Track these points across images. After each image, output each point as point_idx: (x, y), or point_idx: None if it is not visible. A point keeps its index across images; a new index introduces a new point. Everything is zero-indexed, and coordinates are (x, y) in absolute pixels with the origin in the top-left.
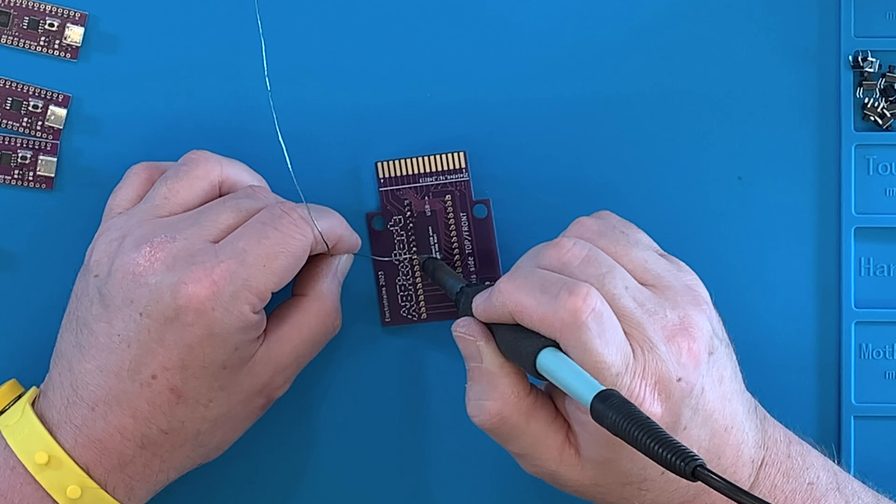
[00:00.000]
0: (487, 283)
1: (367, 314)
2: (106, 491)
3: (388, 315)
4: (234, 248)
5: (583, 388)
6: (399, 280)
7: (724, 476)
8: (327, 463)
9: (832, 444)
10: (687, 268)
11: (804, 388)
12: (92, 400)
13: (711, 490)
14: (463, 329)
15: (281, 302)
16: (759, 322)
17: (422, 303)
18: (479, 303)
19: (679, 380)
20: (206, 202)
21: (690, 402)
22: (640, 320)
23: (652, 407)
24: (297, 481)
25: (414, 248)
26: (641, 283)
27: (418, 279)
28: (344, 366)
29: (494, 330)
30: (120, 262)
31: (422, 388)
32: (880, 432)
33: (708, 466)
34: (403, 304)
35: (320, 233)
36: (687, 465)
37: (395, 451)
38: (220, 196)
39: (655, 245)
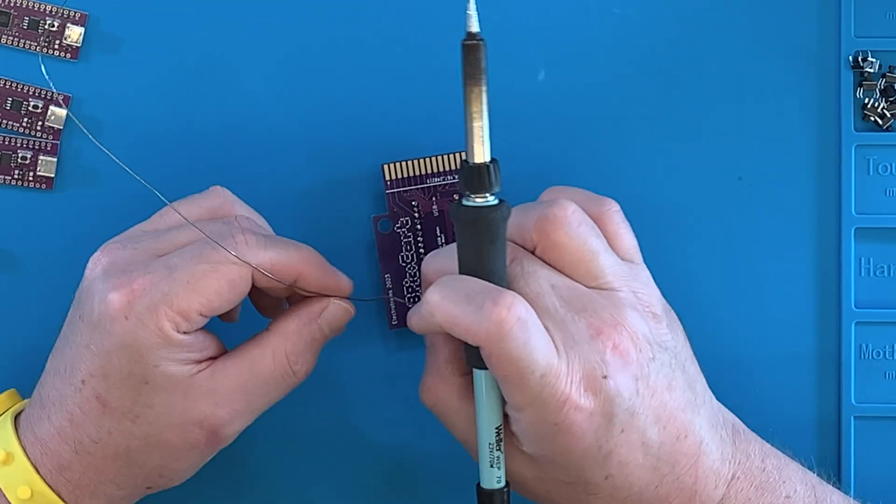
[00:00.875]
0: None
1: (373, 317)
2: (53, 492)
3: (394, 318)
4: (166, 262)
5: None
6: (406, 282)
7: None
8: (332, 465)
9: (832, 444)
10: (649, 280)
11: (804, 388)
12: (45, 399)
13: (672, 501)
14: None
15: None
16: (760, 322)
17: None
18: (412, 318)
19: (605, 377)
20: None
21: (623, 402)
22: (562, 317)
23: (579, 400)
24: (301, 483)
25: (422, 250)
26: (585, 283)
27: None
28: (351, 369)
29: None
30: (89, 265)
31: None
32: (880, 432)
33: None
34: (410, 306)
35: (258, 264)
36: None
37: (401, 454)
38: None
39: (631, 244)
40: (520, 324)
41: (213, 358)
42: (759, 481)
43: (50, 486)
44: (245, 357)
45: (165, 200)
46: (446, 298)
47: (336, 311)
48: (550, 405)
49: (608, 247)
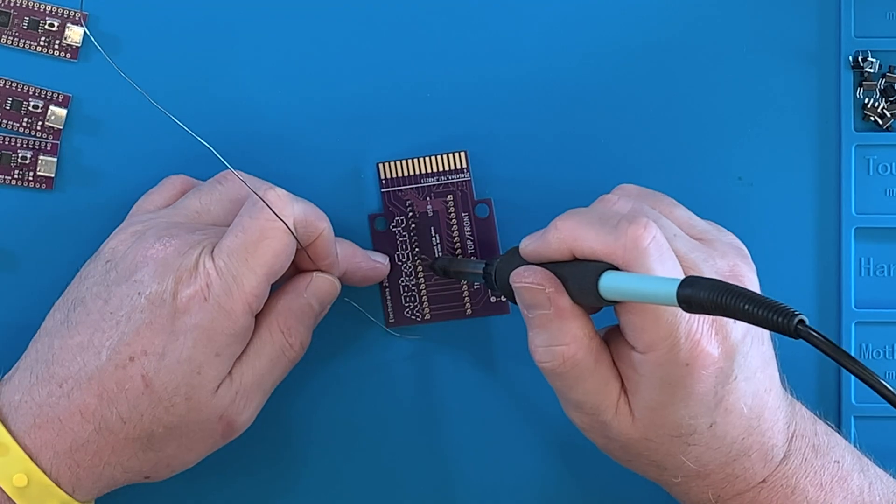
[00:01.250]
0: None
1: (370, 315)
2: (50, 479)
3: (391, 316)
4: (221, 246)
5: (662, 284)
6: (402, 281)
7: (823, 334)
8: (331, 464)
9: None
10: (728, 231)
11: (804, 388)
12: (63, 376)
13: (751, 454)
14: (530, 279)
15: None
16: None
17: (425, 303)
18: (530, 243)
19: (736, 322)
20: None
21: (742, 348)
22: (695, 260)
23: (710, 345)
24: (301, 482)
25: (417, 249)
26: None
27: (421, 280)
28: (348, 367)
29: (551, 271)
30: (137, 247)
31: (426, 389)
32: (880, 432)
33: (807, 324)
34: (407, 304)
35: (294, 217)
36: (789, 322)
37: (400, 452)
38: None
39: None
40: (656, 242)
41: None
42: (813, 443)
43: (48, 474)
44: (249, 346)
45: (227, 164)
46: (579, 222)
47: (320, 283)
48: (684, 343)
49: (684, 207)
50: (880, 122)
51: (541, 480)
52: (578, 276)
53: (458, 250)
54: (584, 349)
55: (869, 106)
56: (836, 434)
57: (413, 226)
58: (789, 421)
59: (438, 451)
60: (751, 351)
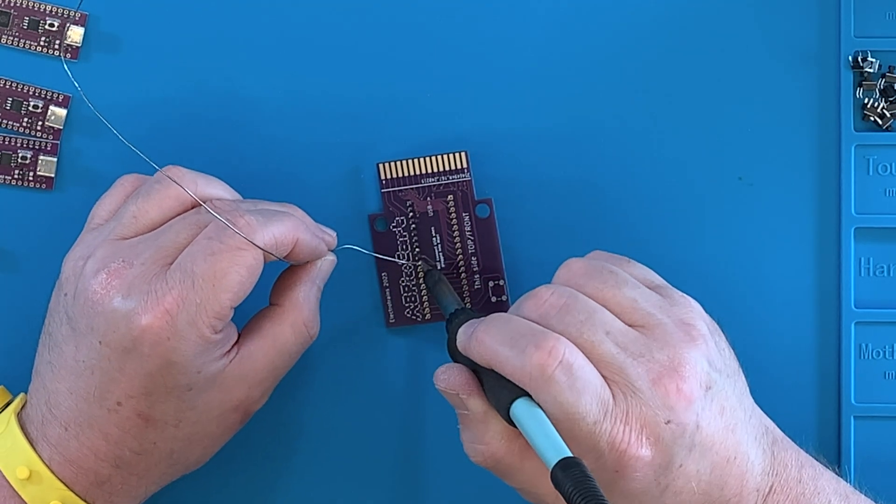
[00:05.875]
0: (479, 315)
1: (370, 315)
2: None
3: (391, 316)
4: (182, 271)
5: (548, 451)
6: (402, 281)
7: None
8: (330, 463)
9: (832, 444)
10: (684, 300)
11: (804, 388)
12: (65, 420)
13: None
14: (443, 384)
15: (256, 312)
16: (760, 322)
17: (425, 303)
18: (462, 340)
19: (668, 422)
20: None
21: (684, 441)
22: (621, 365)
23: (639, 451)
24: (301, 481)
25: (418, 249)
26: (630, 325)
27: (422, 280)
28: (348, 367)
29: (478, 371)
30: (81, 287)
31: (426, 389)
32: (880, 432)
33: None
34: (407, 304)
35: (265, 244)
36: None
37: (399, 452)
38: None
39: (652, 277)
40: (563, 367)
41: (234, 342)
42: (794, 493)
43: (84, 499)
44: (266, 336)
45: (182, 186)
46: (494, 338)
47: (327, 267)
48: (609, 454)
49: (634, 283)
50: (880, 122)
51: None
52: (496, 392)
53: (459, 251)
54: (503, 449)
55: (869, 106)
56: (826, 474)
57: (413, 226)
58: (762, 480)
59: (437, 450)
60: (701, 430)
